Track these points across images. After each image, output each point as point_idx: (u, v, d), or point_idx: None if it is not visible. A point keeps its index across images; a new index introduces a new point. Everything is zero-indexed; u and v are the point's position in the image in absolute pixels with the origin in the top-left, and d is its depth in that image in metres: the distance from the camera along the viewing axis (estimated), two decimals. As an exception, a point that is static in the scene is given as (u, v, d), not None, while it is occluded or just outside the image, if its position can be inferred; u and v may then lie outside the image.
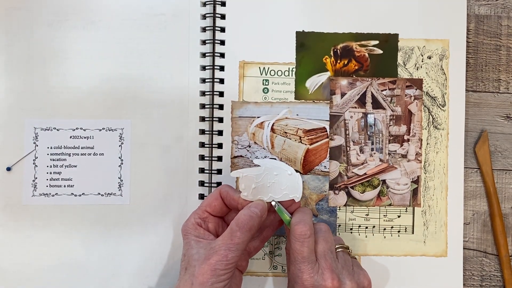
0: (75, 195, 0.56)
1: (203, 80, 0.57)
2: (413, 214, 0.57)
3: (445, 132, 0.57)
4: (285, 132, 0.57)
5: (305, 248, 0.47)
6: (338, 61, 0.57)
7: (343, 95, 0.57)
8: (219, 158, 0.57)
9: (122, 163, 0.57)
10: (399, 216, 0.57)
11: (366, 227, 0.57)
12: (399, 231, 0.57)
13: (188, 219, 0.50)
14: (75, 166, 0.57)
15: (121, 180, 0.56)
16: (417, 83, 0.57)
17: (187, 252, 0.48)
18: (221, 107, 0.57)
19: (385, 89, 0.57)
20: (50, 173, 0.56)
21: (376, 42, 0.57)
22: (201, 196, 0.57)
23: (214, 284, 0.45)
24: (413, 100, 0.57)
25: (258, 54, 0.57)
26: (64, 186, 0.56)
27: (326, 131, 0.57)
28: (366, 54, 0.57)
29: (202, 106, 0.57)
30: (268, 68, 0.57)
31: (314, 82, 0.57)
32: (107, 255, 0.56)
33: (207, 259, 0.46)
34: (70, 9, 0.57)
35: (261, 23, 0.57)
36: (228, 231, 0.47)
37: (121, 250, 0.56)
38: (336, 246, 0.50)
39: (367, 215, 0.57)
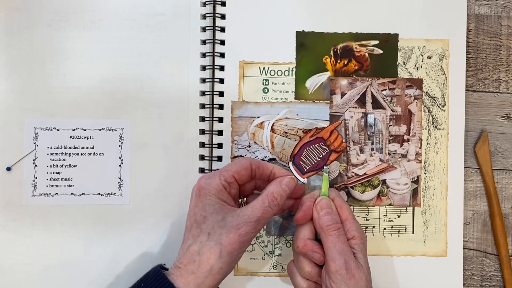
0: (75, 195, 0.56)
1: (203, 80, 0.57)
2: (413, 214, 0.57)
3: (445, 132, 0.57)
4: (285, 132, 0.57)
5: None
6: (338, 61, 0.57)
7: (343, 95, 0.57)
8: (219, 158, 0.57)
9: (122, 163, 0.57)
10: (399, 216, 0.57)
11: (366, 227, 0.57)
12: (399, 231, 0.57)
13: (210, 179, 0.48)
14: (75, 166, 0.57)
15: (121, 180, 0.56)
16: (417, 83, 0.57)
17: (211, 216, 0.46)
18: (221, 107, 0.57)
19: (385, 89, 0.57)
20: (50, 173, 0.56)
21: (376, 42, 0.57)
22: None
23: (239, 254, 0.46)
24: (413, 100, 0.57)
25: (258, 54, 0.57)
26: (64, 186, 0.56)
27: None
28: (366, 54, 0.57)
29: (202, 106, 0.57)
30: (268, 68, 0.57)
31: (314, 82, 0.57)
32: (107, 255, 0.56)
33: (237, 228, 0.45)
34: (70, 9, 0.57)
35: (261, 23, 0.57)
36: (260, 204, 0.46)
37: (121, 250, 0.56)
38: None
39: (367, 215, 0.57)
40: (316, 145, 0.54)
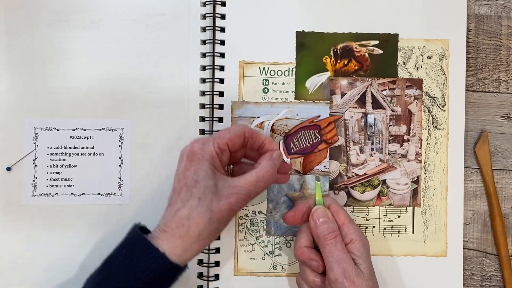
0: (75, 195, 0.56)
1: (203, 80, 0.57)
2: (413, 214, 0.57)
3: (445, 132, 0.57)
4: (285, 132, 0.57)
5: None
6: (338, 61, 0.57)
7: (343, 95, 0.57)
8: (219, 158, 0.57)
9: (122, 163, 0.57)
10: (399, 216, 0.57)
11: (366, 227, 0.57)
12: (399, 231, 0.57)
13: (204, 144, 0.47)
14: (75, 166, 0.57)
15: (121, 180, 0.56)
16: (417, 83, 0.57)
17: (203, 181, 0.45)
18: (221, 107, 0.57)
19: (385, 89, 0.57)
20: (50, 173, 0.56)
21: (376, 42, 0.57)
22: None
23: (227, 222, 0.47)
24: (413, 100, 0.57)
25: (258, 54, 0.57)
26: (64, 186, 0.56)
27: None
28: (366, 54, 0.57)
29: (202, 106, 0.57)
30: (268, 68, 0.57)
31: (314, 82, 0.57)
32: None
33: (227, 197, 0.45)
34: (70, 9, 0.57)
35: (261, 23, 0.57)
36: (253, 178, 0.46)
37: (121, 250, 0.56)
38: None
39: (367, 215, 0.57)
40: (311, 131, 0.55)
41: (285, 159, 0.52)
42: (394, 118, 0.57)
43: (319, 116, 0.55)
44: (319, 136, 0.55)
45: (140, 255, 0.44)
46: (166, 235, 0.45)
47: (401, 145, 0.57)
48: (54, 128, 0.57)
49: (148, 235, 0.46)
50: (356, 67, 0.57)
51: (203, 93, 0.57)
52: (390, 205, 0.57)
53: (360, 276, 0.47)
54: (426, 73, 0.57)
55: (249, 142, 0.50)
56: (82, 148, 0.57)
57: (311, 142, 0.55)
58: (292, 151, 0.55)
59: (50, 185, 0.56)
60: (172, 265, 0.44)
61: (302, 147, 0.55)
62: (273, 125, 0.57)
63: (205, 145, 0.47)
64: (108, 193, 0.56)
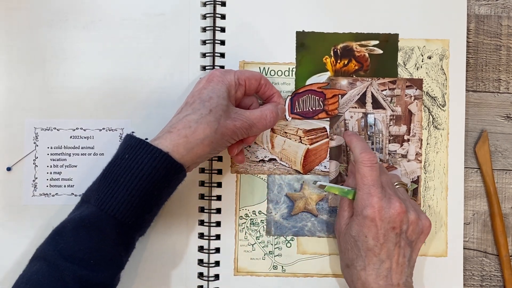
0: (75, 195, 0.56)
1: (203, 80, 0.57)
2: (413, 214, 0.57)
3: (445, 132, 0.57)
4: (285, 132, 0.57)
5: (374, 173, 0.49)
6: (338, 61, 0.57)
7: (343, 95, 0.57)
8: (219, 158, 0.57)
9: (122, 163, 0.57)
10: (399, 216, 0.57)
11: (366, 227, 0.57)
12: (399, 231, 0.57)
13: (226, 72, 0.50)
14: (75, 166, 0.57)
15: (121, 180, 0.56)
16: (417, 83, 0.57)
17: (217, 98, 0.48)
18: (221, 107, 0.57)
19: (385, 89, 0.57)
20: (50, 173, 0.56)
21: (376, 42, 0.57)
22: (201, 196, 0.57)
23: (227, 143, 0.49)
24: (413, 100, 0.57)
25: (258, 54, 0.57)
26: (64, 186, 0.56)
27: (326, 131, 0.57)
28: (366, 54, 0.57)
29: (202, 106, 0.57)
30: (268, 68, 0.57)
31: (314, 82, 0.57)
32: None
33: (234, 120, 0.49)
34: (70, 9, 0.57)
35: (261, 23, 0.57)
36: (258, 113, 0.51)
37: (121, 250, 0.56)
38: (396, 182, 0.53)
39: (367, 215, 0.57)
40: (316, 97, 0.56)
41: (287, 116, 0.55)
42: (394, 118, 0.57)
43: (327, 84, 0.56)
44: (322, 105, 0.56)
45: (143, 156, 0.46)
46: (171, 135, 0.47)
47: (401, 145, 0.57)
48: (54, 128, 0.57)
49: (148, 139, 0.47)
50: (356, 67, 0.57)
51: (203, 93, 0.57)
52: (390, 205, 0.57)
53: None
54: (426, 73, 0.57)
55: (262, 90, 0.53)
56: (82, 148, 0.57)
57: (314, 108, 0.56)
58: (295, 111, 0.56)
59: (50, 185, 0.56)
60: (176, 164, 0.46)
61: (304, 110, 0.56)
62: (273, 125, 0.57)
63: (226, 73, 0.50)
64: (108, 193, 0.56)
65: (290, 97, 0.56)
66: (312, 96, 0.56)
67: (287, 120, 0.56)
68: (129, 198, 0.45)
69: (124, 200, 0.45)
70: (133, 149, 0.46)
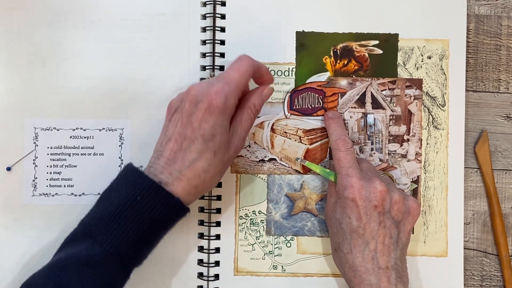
0: (75, 195, 0.56)
1: (203, 80, 0.57)
2: (413, 214, 0.57)
3: (445, 132, 0.57)
4: (285, 132, 0.57)
5: (349, 156, 0.51)
6: (338, 61, 0.57)
7: (342, 95, 0.57)
8: (219, 158, 0.57)
9: (122, 163, 0.57)
10: (399, 216, 0.57)
11: (366, 227, 0.57)
12: (399, 231, 0.57)
13: (227, 99, 0.47)
14: (75, 166, 0.57)
15: (121, 180, 0.56)
16: (417, 83, 0.57)
17: (221, 136, 0.47)
18: (221, 107, 0.57)
19: (385, 89, 0.57)
20: (50, 173, 0.56)
21: (376, 42, 0.57)
22: (201, 196, 0.56)
23: (228, 100, 0.47)
24: (413, 100, 0.57)
25: (258, 54, 0.57)
26: (64, 186, 0.56)
27: (326, 131, 0.57)
28: (366, 54, 0.57)
29: (202, 106, 0.57)
30: (268, 68, 0.57)
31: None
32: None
33: (234, 147, 0.49)
34: (70, 9, 0.57)
35: (261, 23, 0.57)
36: (247, 117, 0.50)
37: (121, 250, 0.56)
38: (381, 173, 0.54)
39: (367, 215, 0.57)
40: (316, 95, 0.56)
41: (286, 113, 0.56)
42: (394, 118, 0.57)
43: (327, 82, 0.56)
44: (321, 102, 0.56)
45: (156, 201, 0.46)
46: (181, 183, 0.47)
47: (401, 145, 0.57)
48: (54, 128, 0.57)
49: (159, 181, 0.47)
50: (356, 67, 0.57)
51: (203, 93, 0.57)
52: (390, 205, 0.57)
53: None
54: (426, 73, 0.57)
55: (257, 74, 0.52)
56: (82, 148, 0.57)
57: (313, 106, 0.57)
58: (294, 107, 0.57)
59: (50, 185, 0.56)
60: (185, 208, 0.48)
61: (304, 107, 0.57)
62: (273, 125, 0.57)
63: (228, 100, 0.47)
64: (108, 193, 0.56)
65: (289, 94, 0.57)
66: (312, 93, 0.57)
67: (286, 117, 0.56)
68: (139, 241, 0.46)
69: (133, 242, 0.46)
70: (145, 191, 0.46)
